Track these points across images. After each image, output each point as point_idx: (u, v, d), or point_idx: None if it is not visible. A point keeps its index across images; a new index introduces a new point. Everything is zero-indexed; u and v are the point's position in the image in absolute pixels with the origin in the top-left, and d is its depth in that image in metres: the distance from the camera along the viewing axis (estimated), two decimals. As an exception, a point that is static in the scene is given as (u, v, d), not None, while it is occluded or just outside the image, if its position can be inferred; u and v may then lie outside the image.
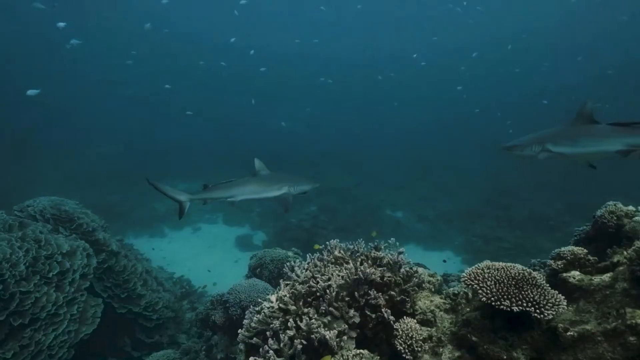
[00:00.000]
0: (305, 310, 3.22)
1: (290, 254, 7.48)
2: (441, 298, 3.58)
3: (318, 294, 3.30)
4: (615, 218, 3.74)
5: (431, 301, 3.49)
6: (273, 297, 3.47)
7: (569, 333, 2.60)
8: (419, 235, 17.41)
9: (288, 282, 3.65)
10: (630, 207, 4.01)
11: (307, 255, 3.96)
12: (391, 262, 3.54)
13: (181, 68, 44.18)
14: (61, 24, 17.38)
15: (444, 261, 10.47)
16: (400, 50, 44.58)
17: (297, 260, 3.73)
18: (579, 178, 20.50)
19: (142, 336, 8.38)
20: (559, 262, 3.39)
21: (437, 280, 3.87)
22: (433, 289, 3.78)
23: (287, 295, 3.36)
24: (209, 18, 46.30)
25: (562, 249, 3.49)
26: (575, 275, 3.19)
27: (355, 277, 3.29)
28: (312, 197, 19.21)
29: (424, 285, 3.57)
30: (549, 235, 16.79)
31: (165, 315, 8.83)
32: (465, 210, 19.83)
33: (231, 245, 17.26)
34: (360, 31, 47.68)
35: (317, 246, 4.39)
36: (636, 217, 3.71)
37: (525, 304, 2.51)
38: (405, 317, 3.14)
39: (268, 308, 3.33)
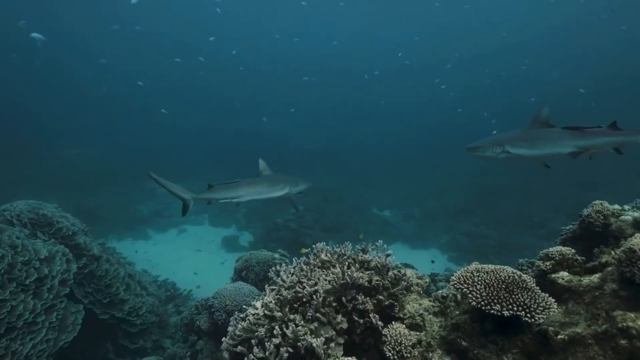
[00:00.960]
0: (292, 316, 3.12)
1: (276, 256, 7.38)
2: (430, 301, 3.52)
3: (304, 299, 3.20)
4: (602, 217, 3.73)
5: (420, 304, 3.43)
6: (258, 304, 3.36)
7: (559, 336, 2.56)
8: (406, 234, 17.46)
9: (274, 287, 3.55)
10: (616, 206, 4.01)
11: (293, 259, 3.87)
12: (379, 265, 3.46)
13: (157, 67, 43.00)
14: (23, 22, 16.75)
15: (432, 262, 10.50)
16: (385, 47, 44.62)
17: (283, 264, 3.64)
18: (561, 175, 20.84)
19: (125, 342, 8.18)
20: (548, 263, 3.36)
21: (425, 282, 3.82)
22: (421, 291, 3.73)
23: (273, 301, 3.25)
24: (187, 17, 44.99)
25: (551, 249, 3.46)
26: (563, 276, 3.16)
27: (342, 281, 3.21)
28: (299, 197, 19.14)
29: (412, 288, 3.51)
30: (533, 232, 17.02)
31: (149, 320, 8.64)
32: (451, 209, 19.97)
33: (217, 247, 17.06)
34: (344, 28, 47.36)
35: (304, 250, 4.30)
36: (622, 217, 3.71)
37: (516, 308, 2.46)
38: (393, 322, 3.07)
39: (253, 315, 3.22)
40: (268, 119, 31.28)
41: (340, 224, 17.74)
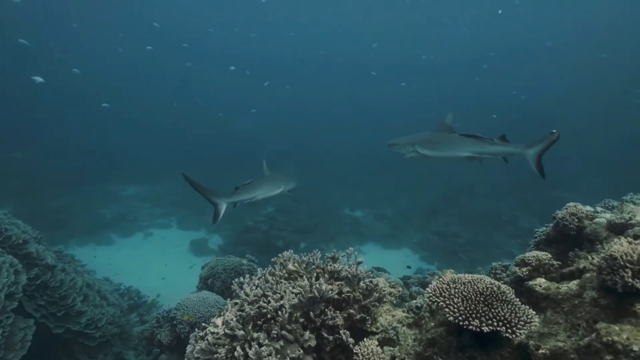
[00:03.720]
0: (255, 335, 2.86)
1: (244, 261, 7.07)
2: (403, 312, 3.33)
3: (269, 315, 2.94)
4: (576, 220, 3.64)
5: (393, 316, 3.23)
6: (219, 321, 3.08)
7: (540, 351, 2.40)
8: (378, 234, 17.37)
9: (237, 302, 3.27)
10: (588, 207, 3.95)
11: (258, 269, 3.60)
12: (350, 275, 3.24)
13: (100, 57, 40.10)
14: None
15: (408, 267, 10.43)
16: (349, 46, 44.51)
17: (247, 276, 3.36)
18: (527, 174, 21.33)
19: (83, 357, 7.66)
20: (524, 269, 3.23)
21: (399, 291, 3.63)
22: (394, 301, 3.54)
23: (234, 318, 2.98)
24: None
25: (527, 254, 3.34)
26: (541, 282, 3.02)
27: (310, 295, 2.96)
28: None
29: (385, 299, 3.30)
30: (502, 230, 17.32)
31: (110, 331, 8.13)
32: (422, 208, 20.08)
33: (185, 251, 16.47)
34: (304, 25, 46.80)
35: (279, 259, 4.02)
36: (596, 219, 3.63)
37: (495, 324, 2.28)
38: (365, 338, 2.85)
39: (212, 334, 2.94)
40: (237, 118, 30.41)
41: (312, 224, 17.49)
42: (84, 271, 9.64)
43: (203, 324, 3.22)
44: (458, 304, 2.41)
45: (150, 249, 16.45)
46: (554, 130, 5.15)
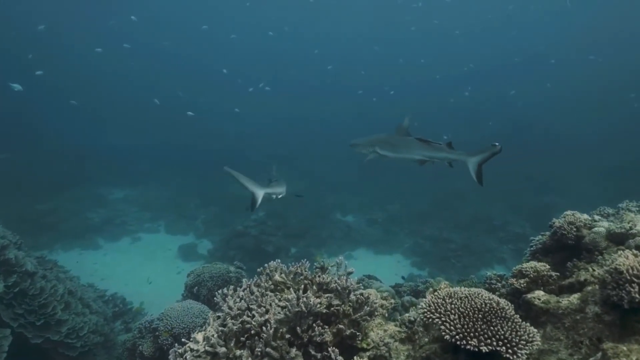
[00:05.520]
0: (238, 352, 2.67)
1: (231, 269, 6.86)
2: (396, 325, 3.17)
3: (253, 331, 2.76)
4: (574, 229, 3.51)
5: (385, 330, 3.06)
6: (200, 336, 2.89)
7: (542, 371, 2.25)
8: (370, 240, 17.20)
9: (219, 315, 3.08)
10: (585, 216, 3.83)
11: (244, 280, 3.41)
12: (339, 287, 3.06)
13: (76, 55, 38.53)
14: None
15: (403, 277, 10.28)
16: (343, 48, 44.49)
17: (231, 287, 3.17)
18: (518, 179, 21.42)
19: (63, 367, 7.37)
20: (522, 281, 3.09)
21: (391, 303, 3.45)
22: (386, 314, 3.37)
23: (216, 334, 2.78)
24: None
25: (524, 265, 3.19)
26: (540, 295, 2.88)
27: (297, 309, 2.78)
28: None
29: (376, 312, 3.13)
30: (493, 235, 17.25)
31: (93, 340, 7.85)
32: (414, 212, 19.96)
33: (173, 256, 16.13)
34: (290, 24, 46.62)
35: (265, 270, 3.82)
36: (595, 228, 3.51)
37: (495, 343, 2.12)
38: (355, 356, 2.68)
39: (192, 351, 2.74)
40: (226, 122, 29.79)
41: (303, 229, 17.27)
42: (67, 278, 9.31)
43: (183, 340, 3.02)
44: (455, 321, 2.25)
45: (138, 254, 16.11)
46: (496, 143, 5.32)
